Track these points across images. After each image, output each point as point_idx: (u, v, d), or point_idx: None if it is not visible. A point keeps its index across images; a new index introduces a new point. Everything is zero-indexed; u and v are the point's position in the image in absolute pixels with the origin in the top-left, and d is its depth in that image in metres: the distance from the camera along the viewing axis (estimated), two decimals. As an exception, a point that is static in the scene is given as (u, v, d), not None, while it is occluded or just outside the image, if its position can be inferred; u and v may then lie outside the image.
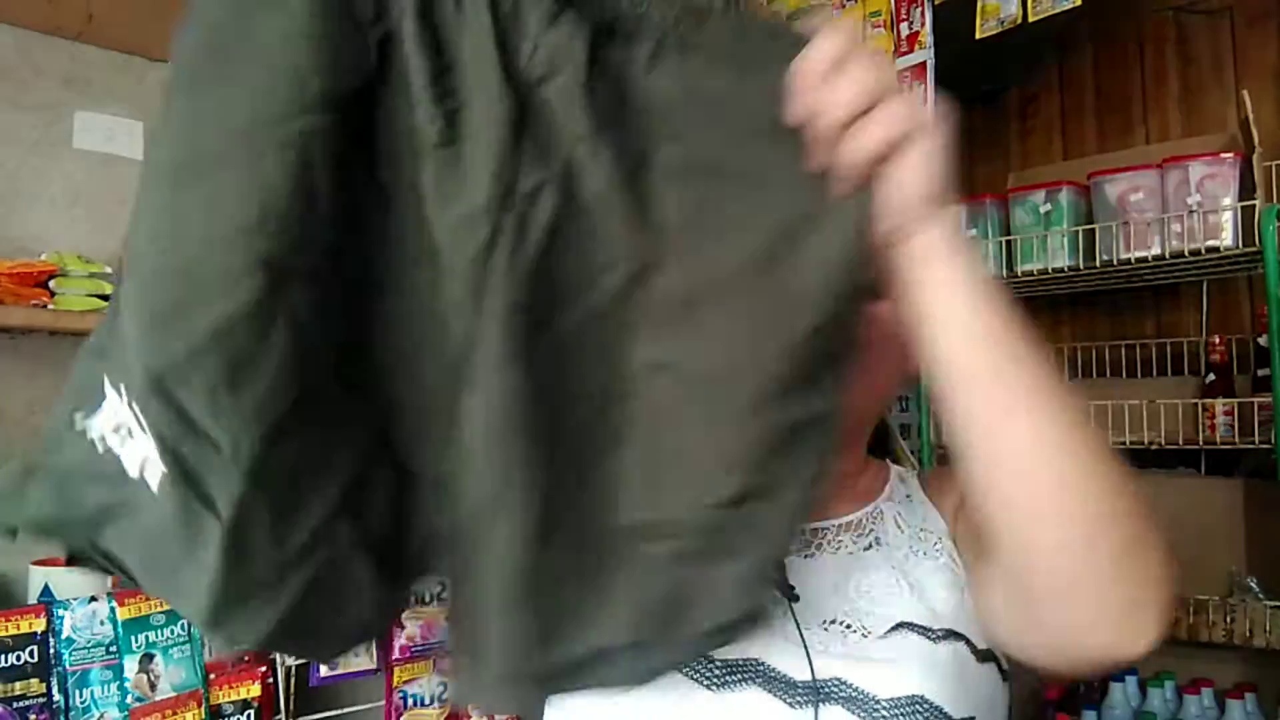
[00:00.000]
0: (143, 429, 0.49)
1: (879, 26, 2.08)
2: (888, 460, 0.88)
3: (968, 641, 0.70)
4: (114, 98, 1.54)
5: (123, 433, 0.51)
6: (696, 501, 0.54)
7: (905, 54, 2.04)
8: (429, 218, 0.52)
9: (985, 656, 0.71)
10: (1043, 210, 2.16)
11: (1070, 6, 1.76)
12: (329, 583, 0.53)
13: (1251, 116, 1.94)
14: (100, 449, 0.52)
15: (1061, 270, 2.12)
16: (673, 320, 0.54)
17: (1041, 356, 0.55)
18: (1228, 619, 1.92)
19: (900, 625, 0.70)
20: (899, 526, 0.78)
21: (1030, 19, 1.82)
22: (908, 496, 0.81)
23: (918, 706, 0.66)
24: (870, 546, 0.76)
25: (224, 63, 0.50)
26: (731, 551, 0.54)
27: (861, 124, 0.52)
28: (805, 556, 0.75)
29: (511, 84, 0.52)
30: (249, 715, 1.53)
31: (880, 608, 0.71)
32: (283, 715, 1.64)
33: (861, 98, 0.51)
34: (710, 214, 0.54)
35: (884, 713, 0.65)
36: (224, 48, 0.50)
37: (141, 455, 0.50)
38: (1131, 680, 2.06)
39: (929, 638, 0.69)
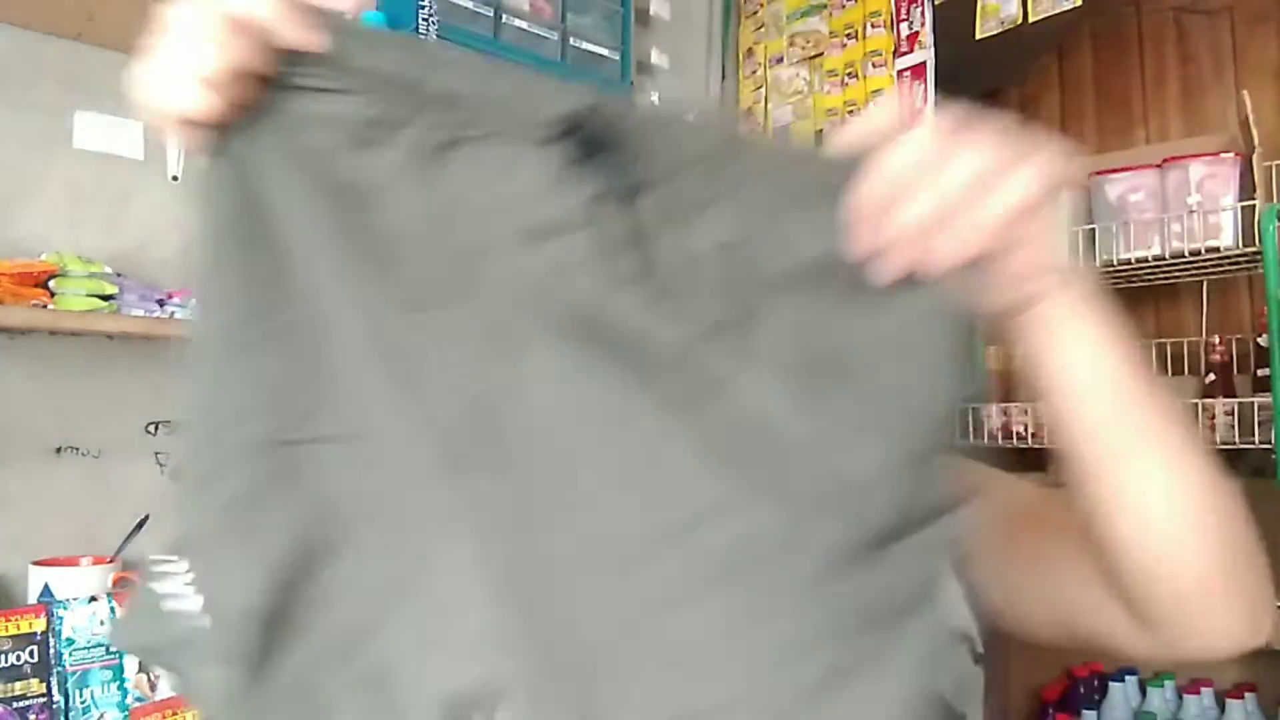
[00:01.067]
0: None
1: (879, 26, 2.08)
2: None
3: (969, 645, 0.70)
4: (114, 98, 1.54)
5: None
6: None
7: (905, 54, 2.04)
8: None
9: (979, 660, 0.70)
10: (1043, 210, 2.16)
11: (1070, 7, 1.76)
12: None
13: (1251, 116, 1.94)
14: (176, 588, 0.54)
15: (1061, 270, 2.12)
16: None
17: (1172, 402, 0.56)
18: (1228, 619, 1.91)
19: None
20: None
21: (1030, 19, 1.83)
22: None
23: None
24: None
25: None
26: None
27: (939, 239, 0.46)
28: None
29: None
30: (249, 715, 1.53)
31: None
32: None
33: (932, 213, 0.46)
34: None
35: None
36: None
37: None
38: (1131, 680, 2.06)
39: None
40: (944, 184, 0.46)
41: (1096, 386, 0.53)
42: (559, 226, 0.49)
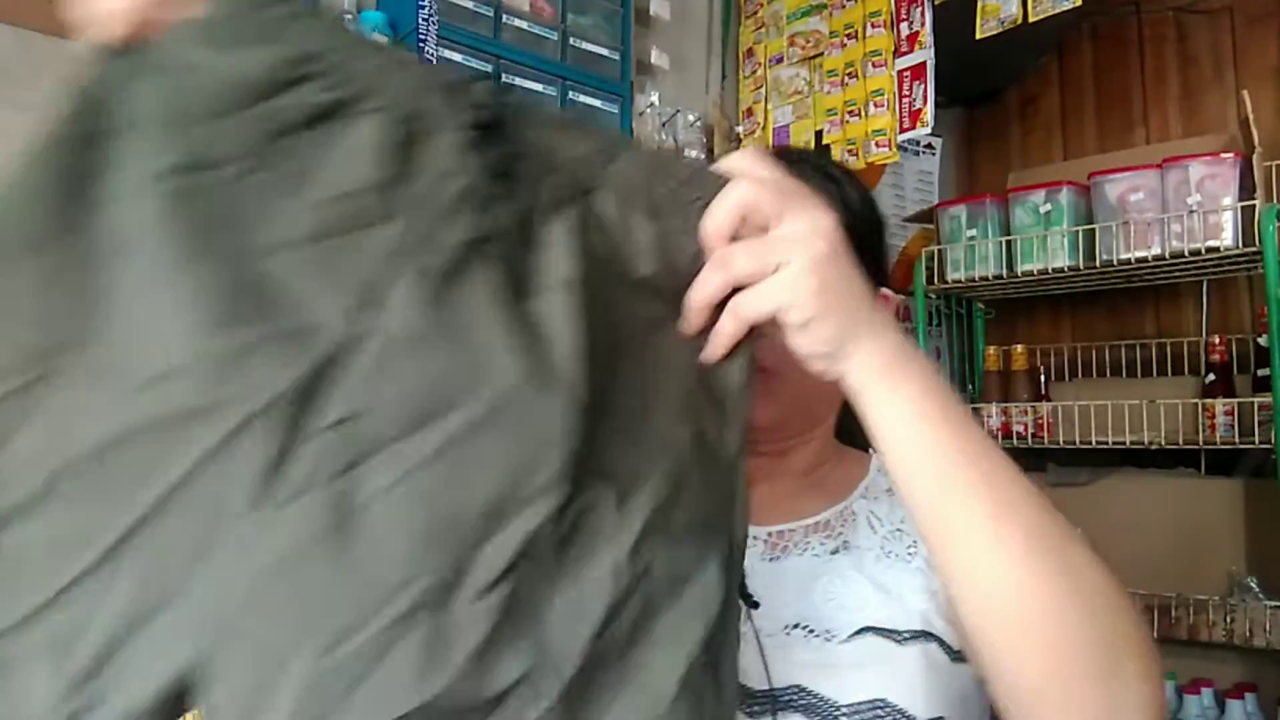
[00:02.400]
0: None
1: (879, 26, 2.08)
2: (870, 450, 0.84)
3: (940, 642, 0.69)
4: (114, 98, 1.54)
5: None
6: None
7: (905, 54, 2.04)
8: None
9: (960, 656, 0.69)
10: (1043, 210, 2.16)
11: (1070, 6, 1.76)
12: None
13: (1251, 116, 1.94)
14: None
15: (1061, 270, 2.12)
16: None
17: (1007, 468, 0.54)
18: (1228, 619, 1.92)
19: (865, 629, 0.69)
20: (871, 526, 0.75)
21: (1030, 19, 1.83)
22: (887, 490, 0.78)
23: (878, 711, 0.65)
24: (838, 550, 0.74)
25: None
26: None
27: (750, 291, 0.51)
28: (770, 560, 0.73)
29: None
30: None
31: (846, 613, 0.70)
32: None
33: (755, 270, 0.51)
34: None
35: (844, 719, 0.64)
36: None
37: None
38: (1131, 680, 2.06)
39: (895, 640, 0.68)
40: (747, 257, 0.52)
41: (915, 451, 0.53)
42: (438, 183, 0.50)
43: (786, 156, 0.84)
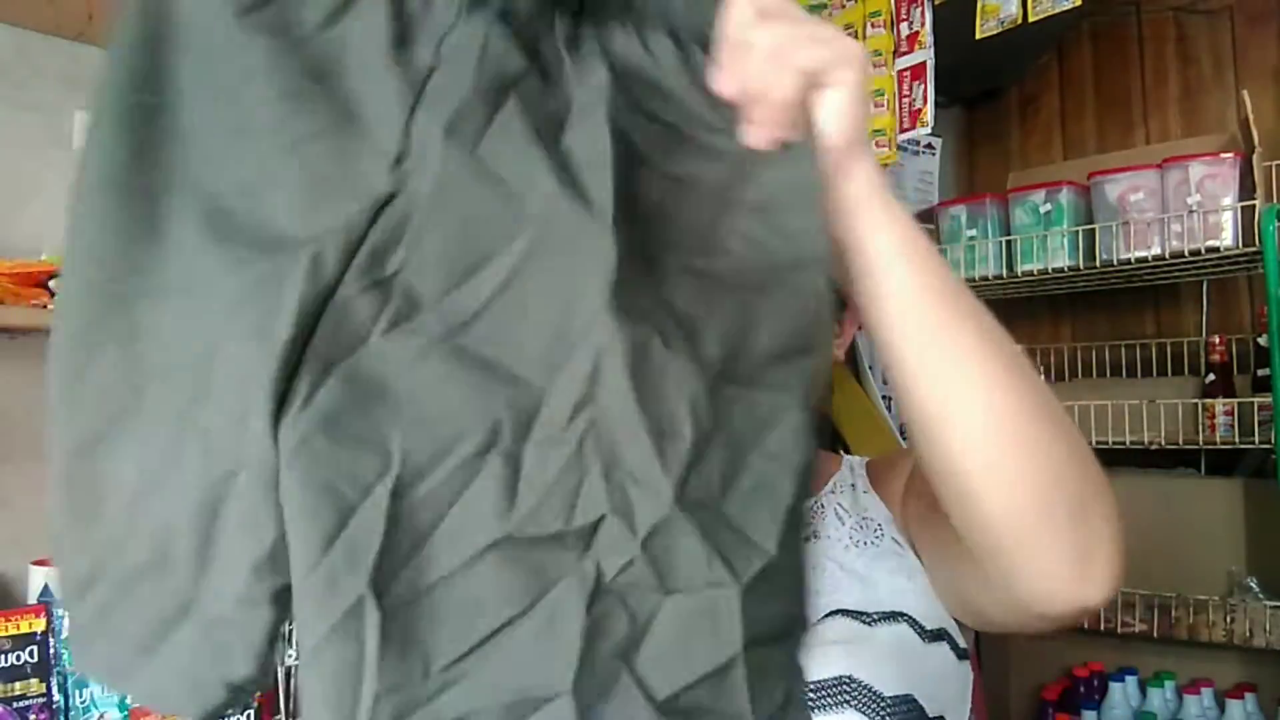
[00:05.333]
0: None
1: (879, 26, 2.08)
2: (840, 451, 0.88)
3: (911, 621, 0.71)
4: (114, 98, 1.54)
5: None
6: None
7: (905, 54, 2.04)
8: None
9: (935, 636, 0.71)
10: (1043, 210, 2.16)
11: (1070, 6, 1.76)
12: None
13: (1251, 116, 1.94)
14: None
15: (1061, 270, 2.12)
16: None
17: (983, 309, 0.53)
18: (1228, 619, 1.92)
19: (834, 612, 0.71)
20: (839, 518, 0.78)
21: (1030, 19, 1.82)
22: (852, 486, 0.81)
23: (845, 686, 0.67)
24: (808, 539, 0.76)
25: None
26: None
27: (796, 41, 0.49)
28: None
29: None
30: (249, 715, 1.53)
31: (817, 597, 0.72)
32: (283, 715, 1.64)
33: (791, 34, 0.49)
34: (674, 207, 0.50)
35: (810, 696, 0.66)
36: None
37: None
38: (1131, 680, 2.06)
39: (863, 621, 0.70)
40: (788, 24, 0.49)
41: (907, 267, 0.52)
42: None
43: None
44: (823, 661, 0.68)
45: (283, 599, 0.46)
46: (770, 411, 0.48)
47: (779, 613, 0.47)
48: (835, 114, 0.49)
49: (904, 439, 2.48)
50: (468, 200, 0.48)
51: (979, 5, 1.90)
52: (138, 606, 0.49)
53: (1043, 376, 0.54)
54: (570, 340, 0.46)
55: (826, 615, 0.72)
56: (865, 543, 0.76)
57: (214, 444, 0.47)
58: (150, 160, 0.50)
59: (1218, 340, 2.11)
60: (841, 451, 0.88)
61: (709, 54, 0.51)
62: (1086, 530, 0.53)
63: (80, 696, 1.35)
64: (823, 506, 0.80)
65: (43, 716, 1.32)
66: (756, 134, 0.50)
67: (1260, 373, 1.98)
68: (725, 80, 0.50)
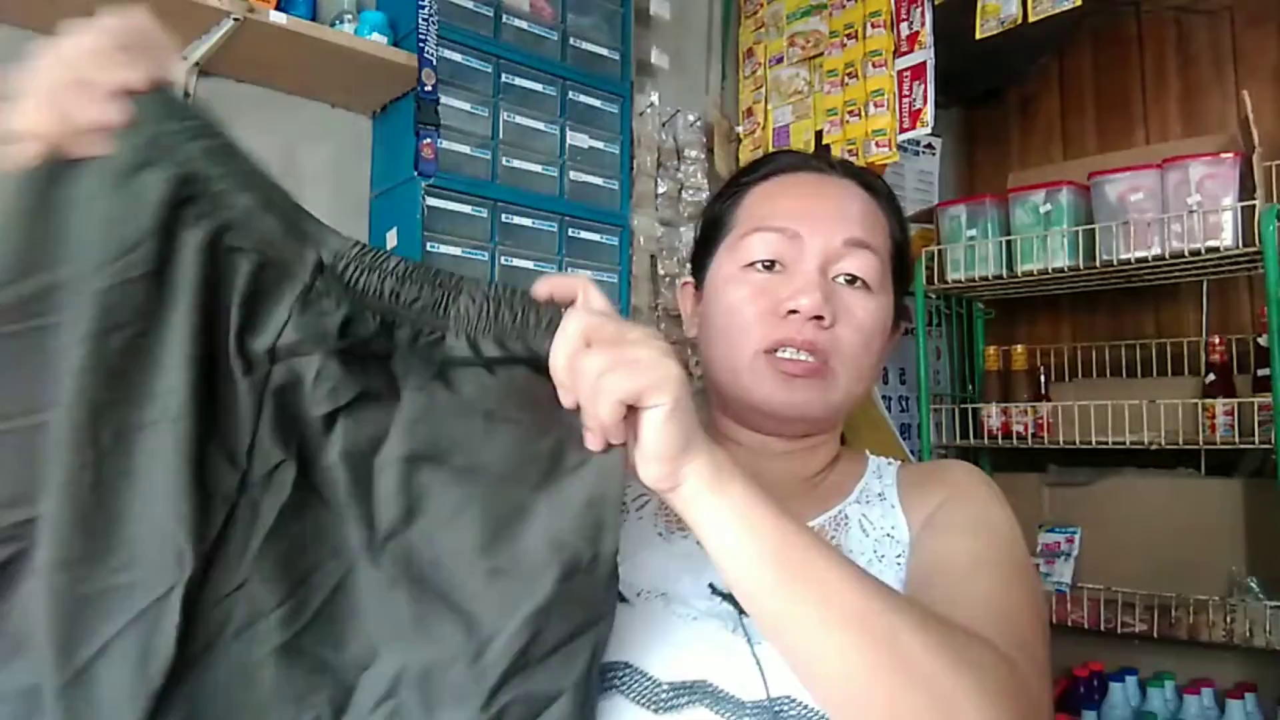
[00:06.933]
0: None
1: (879, 26, 2.08)
2: (866, 452, 0.86)
3: None
4: (114, 98, 1.54)
5: None
6: None
7: (905, 54, 2.04)
8: None
9: None
10: (1043, 210, 2.16)
11: (1070, 6, 1.76)
12: None
13: (1251, 116, 1.94)
14: None
15: (1061, 270, 2.12)
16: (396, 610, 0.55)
17: (833, 564, 0.56)
18: (1228, 619, 1.92)
19: None
20: (864, 530, 0.76)
21: (1030, 19, 1.82)
22: (880, 495, 0.79)
23: None
24: None
25: None
26: None
27: (614, 371, 0.53)
28: None
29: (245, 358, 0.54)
30: None
31: None
32: None
33: (612, 360, 0.53)
34: (439, 499, 0.55)
35: None
36: None
37: None
38: (1131, 680, 2.06)
39: None
40: (609, 351, 0.54)
41: (740, 558, 0.56)
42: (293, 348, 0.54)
43: (847, 170, 0.86)
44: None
45: None
46: (542, 703, 0.54)
47: None
48: (653, 431, 0.54)
49: (903, 438, 2.49)
50: (300, 518, 0.54)
51: (979, 5, 1.90)
52: None
53: (905, 614, 0.56)
54: (378, 646, 0.54)
55: None
56: (885, 561, 0.73)
57: None
58: None
59: (1218, 340, 2.12)
60: (868, 453, 0.85)
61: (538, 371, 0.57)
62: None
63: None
64: (846, 518, 0.77)
65: (43, 716, 1.32)
66: (589, 439, 0.56)
67: (1260, 373, 1.98)
68: (563, 397, 0.56)
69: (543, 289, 0.58)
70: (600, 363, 0.53)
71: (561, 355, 0.54)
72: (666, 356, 0.54)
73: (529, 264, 1.77)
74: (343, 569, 0.55)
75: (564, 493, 0.55)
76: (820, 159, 0.87)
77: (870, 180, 0.85)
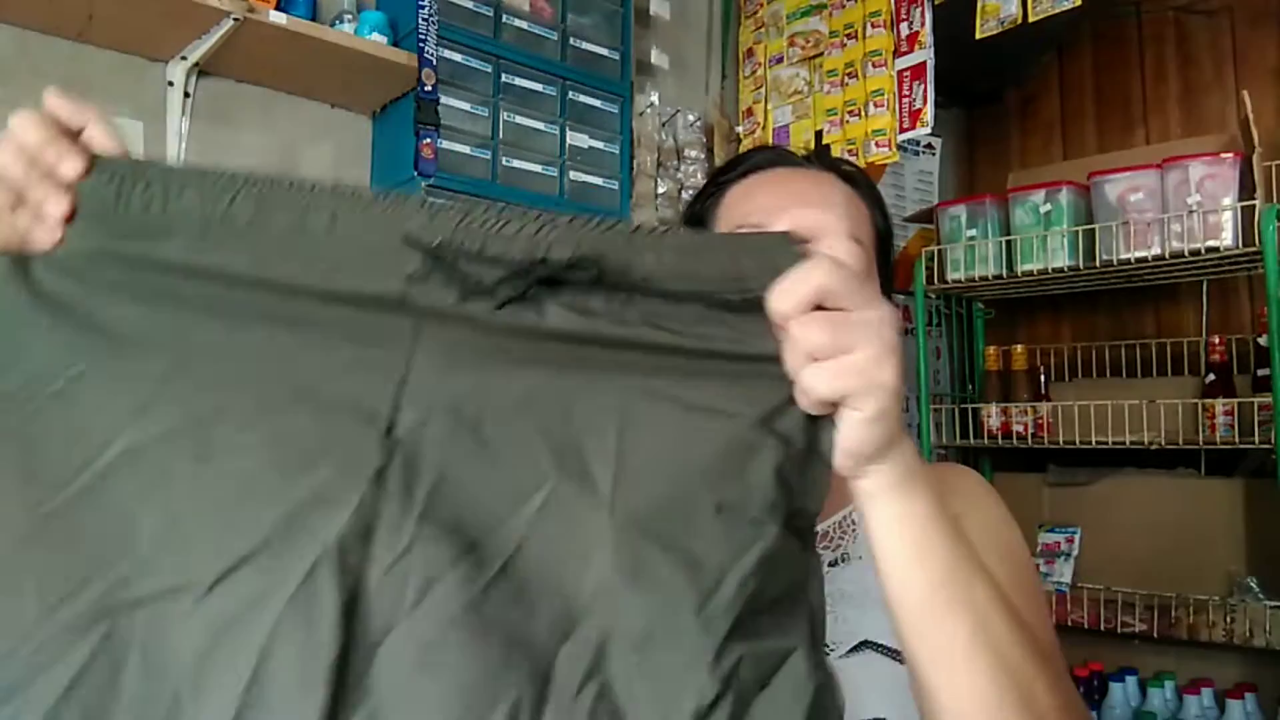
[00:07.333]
0: None
1: (879, 26, 2.08)
2: None
3: None
4: (114, 98, 1.54)
5: None
6: None
7: (905, 54, 2.04)
8: None
9: None
10: (1043, 210, 2.16)
11: (1070, 6, 1.76)
12: None
13: (1251, 116, 1.94)
14: None
15: (1061, 270, 2.12)
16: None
17: (985, 587, 0.56)
18: (1228, 619, 1.92)
19: (864, 644, 0.69)
20: None
21: (1030, 19, 1.82)
22: None
23: None
24: (837, 563, 0.74)
25: None
26: None
27: (823, 368, 0.49)
28: None
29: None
30: None
31: (845, 624, 0.70)
32: (283, 715, 1.64)
33: (829, 347, 0.49)
34: (660, 430, 0.50)
35: None
36: None
37: None
38: (1131, 680, 2.06)
39: (894, 658, 0.68)
40: (831, 332, 0.50)
41: (906, 569, 0.55)
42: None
43: (824, 161, 0.85)
44: (856, 703, 0.65)
45: None
46: (775, 659, 0.48)
47: None
48: (850, 429, 0.51)
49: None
50: (467, 473, 0.49)
51: (979, 5, 1.90)
52: None
53: (1026, 653, 0.57)
54: (576, 610, 0.47)
55: (856, 647, 0.69)
56: None
57: None
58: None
59: (1218, 340, 2.12)
60: None
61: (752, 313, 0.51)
62: None
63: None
64: (854, 523, 0.76)
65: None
66: (799, 397, 0.51)
67: (1260, 373, 1.98)
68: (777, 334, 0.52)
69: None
70: (815, 342, 0.49)
71: (788, 302, 0.49)
72: (885, 358, 0.50)
73: (529, 264, 1.77)
74: (523, 523, 0.48)
75: (784, 436, 0.50)
76: (796, 153, 0.86)
77: (848, 171, 0.84)
